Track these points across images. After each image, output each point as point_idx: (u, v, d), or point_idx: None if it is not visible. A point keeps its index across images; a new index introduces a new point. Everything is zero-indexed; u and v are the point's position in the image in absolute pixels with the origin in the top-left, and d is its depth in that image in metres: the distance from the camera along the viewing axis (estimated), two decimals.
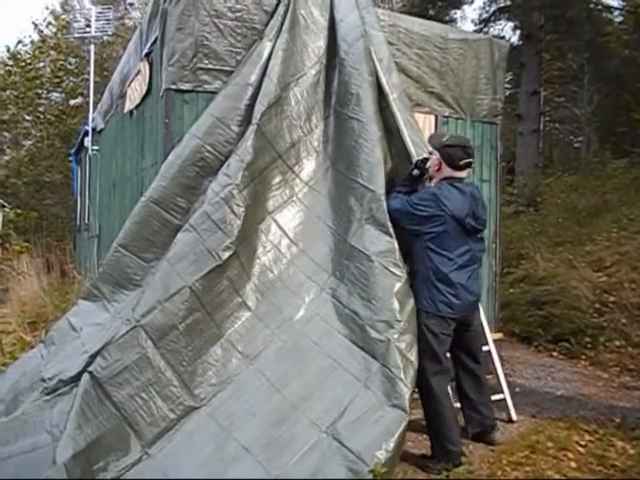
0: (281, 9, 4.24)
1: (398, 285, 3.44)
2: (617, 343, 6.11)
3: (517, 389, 5.05)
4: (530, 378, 5.55)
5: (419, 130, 4.20)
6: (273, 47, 4.10)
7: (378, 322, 3.36)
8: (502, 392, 4.39)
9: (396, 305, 3.37)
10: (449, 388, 3.66)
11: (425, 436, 3.79)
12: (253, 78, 4.02)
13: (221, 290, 3.57)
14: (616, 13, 15.30)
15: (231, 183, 3.68)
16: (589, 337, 6.32)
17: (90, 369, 3.24)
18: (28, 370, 3.91)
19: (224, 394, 3.35)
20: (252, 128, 3.82)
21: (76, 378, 3.42)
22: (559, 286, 7.04)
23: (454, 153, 3.48)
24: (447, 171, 3.51)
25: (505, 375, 4.65)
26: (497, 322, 5.66)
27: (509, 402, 4.37)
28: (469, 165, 3.55)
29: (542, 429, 4.15)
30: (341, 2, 4.41)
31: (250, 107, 3.94)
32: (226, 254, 3.56)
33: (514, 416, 4.32)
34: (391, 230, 3.58)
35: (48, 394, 3.52)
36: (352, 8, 4.34)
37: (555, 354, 6.38)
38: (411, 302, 3.47)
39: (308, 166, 4.13)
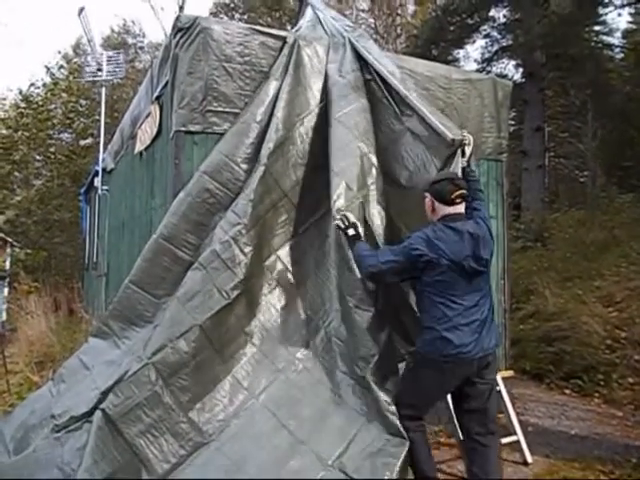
0: (286, 49, 4.37)
1: (367, 321, 3.41)
2: (630, 380, 6.01)
3: (530, 428, 4.96)
4: (543, 417, 5.45)
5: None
6: (280, 87, 4.21)
7: (359, 359, 3.39)
8: (515, 433, 4.31)
9: (369, 340, 3.37)
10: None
11: None
12: (260, 117, 4.11)
13: (229, 327, 3.62)
14: (617, 50, 15.57)
15: (240, 222, 3.75)
16: (601, 374, 6.22)
17: (102, 406, 3.27)
18: (37, 408, 3.90)
19: (231, 429, 3.38)
20: (260, 169, 3.90)
21: (87, 414, 3.45)
22: (569, 322, 6.98)
23: (442, 188, 3.22)
24: (441, 209, 3.24)
25: (517, 414, 4.58)
26: (508, 359, 5.60)
27: (523, 444, 4.28)
28: (463, 197, 3.24)
29: (557, 469, 4.07)
30: (339, 41, 4.58)
31: (257, 145, 4.03)
32: (235, 293, 3.62)
33: (529, 458, 4.22)
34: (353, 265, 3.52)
35: (58, 431, 3.51)
36: (349, 48, 4.53)
37: (567, 391, 6.28)
38: (384, 334, 3.44)
39: (311, 204, 4.18)
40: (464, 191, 3.23)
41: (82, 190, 12.71)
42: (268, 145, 3.97)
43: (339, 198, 3.69)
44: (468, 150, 3.60)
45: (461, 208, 3.26)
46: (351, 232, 3.48)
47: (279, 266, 3.99)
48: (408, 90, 4.09)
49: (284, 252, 4.04)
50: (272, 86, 4.22)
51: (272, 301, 3.89)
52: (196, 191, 3.93)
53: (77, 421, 3.50)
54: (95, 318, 7.77)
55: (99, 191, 8.94)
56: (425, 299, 3.20)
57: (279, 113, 4.09)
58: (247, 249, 3.73)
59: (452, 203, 3.20)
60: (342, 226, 3.52)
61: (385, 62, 4.39)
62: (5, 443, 3.74)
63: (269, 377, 3.59)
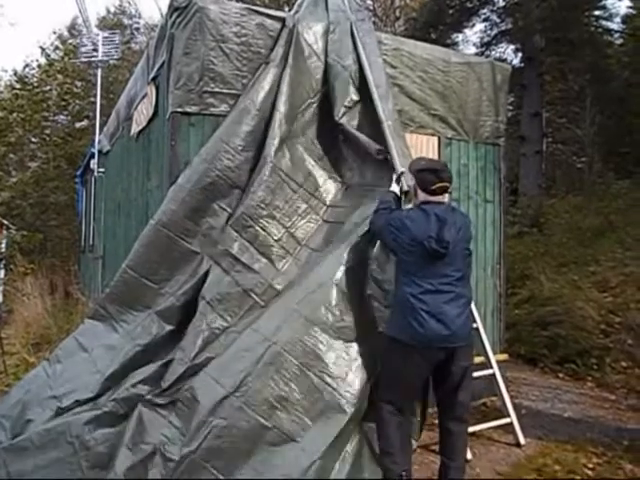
0: (285, 34, 4.32)
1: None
2: (624, 364, 6.07)
3: (523, 411, 5.01)
4: (536, 400, 5.50)
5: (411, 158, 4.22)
6: (280, 75, 4.19)
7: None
8: (508, 415, 4.35)
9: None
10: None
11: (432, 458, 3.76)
12: (259, 105, 4.09)
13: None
14: (616, 36, 15.47)
15: (252, 225, 3.83)
16: (595, 358, 6.28)
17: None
18: (33, 387, 3.93)
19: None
20: (268, 166, 3.94)
21: (92, 399, 3.53)
22: (564, 307, 7.02)
23: (425, 178, 3.32)
24: (422, 196, 3.36)
25: (511, 397, 4.63)
26: (502, 343, 5.63)
27: (516, 426, 4.33)
28: (444, 189, 3.33)
29: (549, 452, 4.11)
30: (339, 24, 4.50)
31: (257, 134, 4.04)
32: (267, 296, 3.76)
33: (522, 440, 4.27)
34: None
35: (62, 413, 3.54)
36: (348, 33, 4.46)
37: (561, 375, 6.34)
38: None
39: (328, 189, 4.25)
40: (446, 184, 3.31)
41: (78, 172, 12.64)
42: (273, 141, 3.99)
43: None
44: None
45: (442, 198, 3.35)
46: (393, 188, 3.72)
47: (305, 253, 4.01)
48: (384, 112, 4.13)
49: (311, 240, 4.08)
50: (272, 73, 4.19)
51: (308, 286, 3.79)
52: (195, 178, 3.92)
53: (81, 405, 3.55)
54: (92, 300, 7.78)
55: (95, 173, 8.90)
56: (396, 280, 3.36)
57: (282, 107, 4.09)
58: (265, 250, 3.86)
59: (433, 193, 3.31)
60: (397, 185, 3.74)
61: (376, 66, 4.37)
62: (1, 422, 3.77)
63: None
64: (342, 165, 4.37)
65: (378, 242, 3.66)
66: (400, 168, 3.81)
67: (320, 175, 4.26)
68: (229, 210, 3.98)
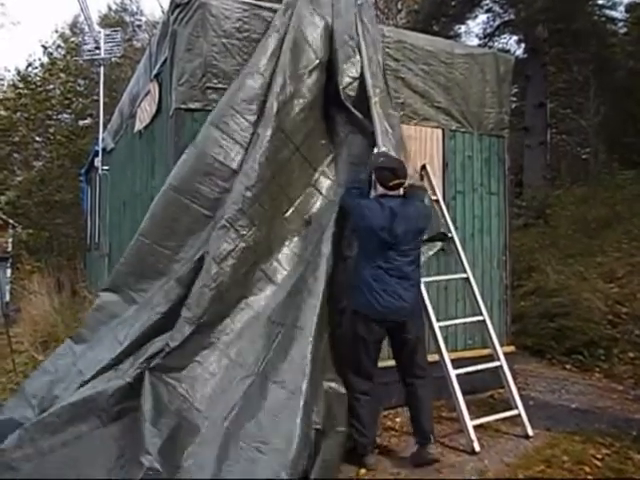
0: (289, 12, 4.29)
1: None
2: (631, 355, 6.05)
3: (531, 402, 5.00)
4: (544, 391, 5.49)
5: (398, 140, 4.31)
6: (283, 39, 4.16)
7: None
8: (516, 407, 4.34)
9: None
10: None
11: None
12: (263, 67, 4.09)
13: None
14: (620, 25, 15.35)
15: (254, 185, 3.82)
16: (602, 349, 6.26)
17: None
18: (59, 365, 3.96)
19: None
20: (270, 126, 3.91)
21: (114, 366, 3.58)
22: (571, 298, 7.00)
23: (382, 175, 3.77)
24: (380, 190, 3.80)
25: (518, 389, 4.62)
26: (509, 335, 5.63)
27: (524, 417, 4.31)
28: (400, 185, 3.78)
29: (557, 443, 4.10)
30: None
31: (261, 96, 4.02)
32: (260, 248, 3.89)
33: (530, 432, 4.25)
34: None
35: (86, 383, 3.56)
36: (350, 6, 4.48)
37: (568, 367, 6.32)
38: None
39: (320, 155, 4.32)
40: (402, 180, 3.78)
41: (82, 171, 12.68)
42: (277, 100, 3.96)
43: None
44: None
45: (398, 192, 3.80)
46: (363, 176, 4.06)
47: (294, 216, 4.14)
48: (373, 89, 4.23)
49: (300, 203, 4.18)
50: (274, 38, 4.17)
51: (292, 249, 4.08)
52: (203, 142, 3.93)
53: (105, 371, 3.59)
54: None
55: (99, 171, 8.92)
56: (357, 261, 3.84)
57: (286, 68, 4.07)
58: (266, 206, 3.90)
59: (389, 188, 3.77)
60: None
61: (371, 42, 4.42)
62: (28, 399, 3.81)
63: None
64: (336, 132, 4.40)
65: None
66: (382, 146, 4.02)
67: (317, 137, 4.29)
68: (235, 168, 3.95)
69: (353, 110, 4.24)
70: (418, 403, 3.84)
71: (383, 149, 4.02)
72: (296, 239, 4.12)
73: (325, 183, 4.31)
